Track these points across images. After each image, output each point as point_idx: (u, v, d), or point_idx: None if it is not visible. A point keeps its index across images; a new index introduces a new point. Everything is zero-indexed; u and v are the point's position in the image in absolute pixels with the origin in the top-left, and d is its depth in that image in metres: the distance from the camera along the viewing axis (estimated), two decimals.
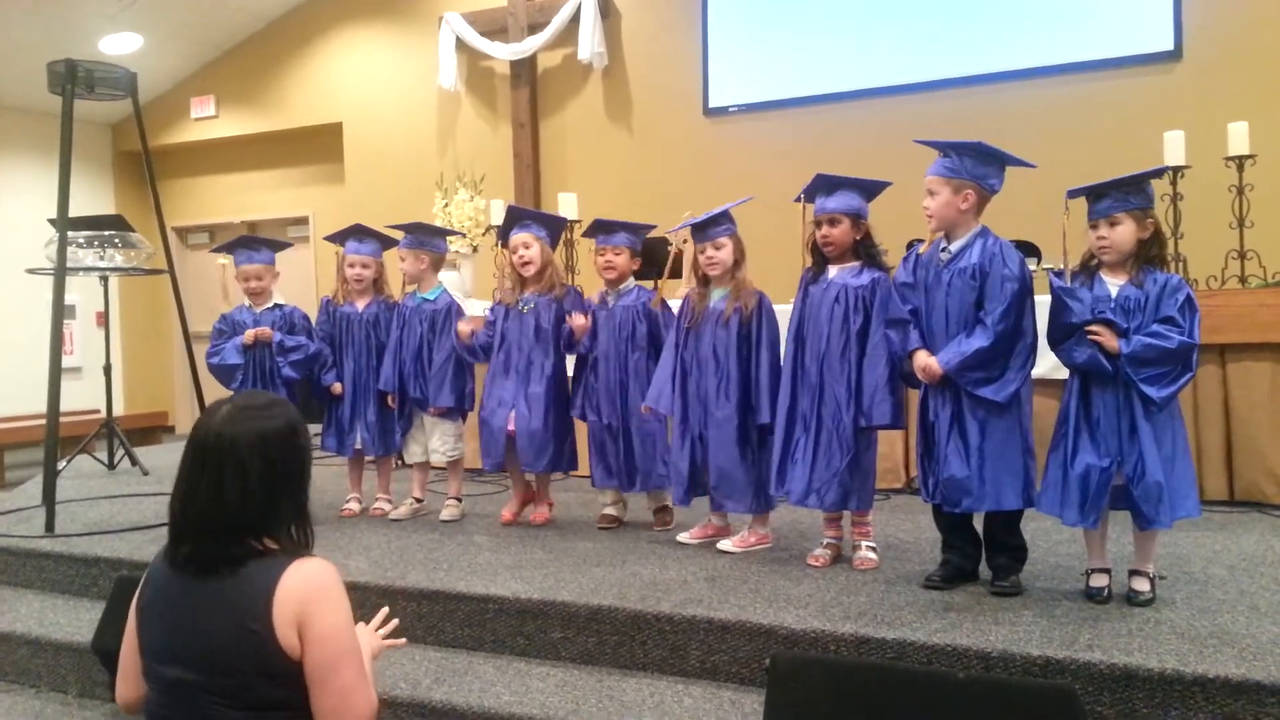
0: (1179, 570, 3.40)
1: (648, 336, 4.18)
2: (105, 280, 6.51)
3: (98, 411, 7.34)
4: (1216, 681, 2.47)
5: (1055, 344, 3.10)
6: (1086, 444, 3.00)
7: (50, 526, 4.55)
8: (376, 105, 8.95)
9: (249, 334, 4.58)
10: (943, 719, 2.38)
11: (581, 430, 4.42)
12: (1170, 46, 6.44)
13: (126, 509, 5.03)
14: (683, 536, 4.03)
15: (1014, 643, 2.72)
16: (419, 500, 4.73)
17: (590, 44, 7.84)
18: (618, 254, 4.25)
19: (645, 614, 3.11)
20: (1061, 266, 3.19)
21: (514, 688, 3.01)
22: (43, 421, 4.85)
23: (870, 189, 3.59)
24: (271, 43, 9.38)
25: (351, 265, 4.73)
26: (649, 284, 4.50)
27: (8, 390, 8.58)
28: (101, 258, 6.18)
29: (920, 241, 3.43)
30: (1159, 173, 3.25)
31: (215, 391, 2.75)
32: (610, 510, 4.37)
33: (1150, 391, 2.91)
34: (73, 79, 5.17)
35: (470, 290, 6.82)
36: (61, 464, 5.66)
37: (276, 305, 4.72)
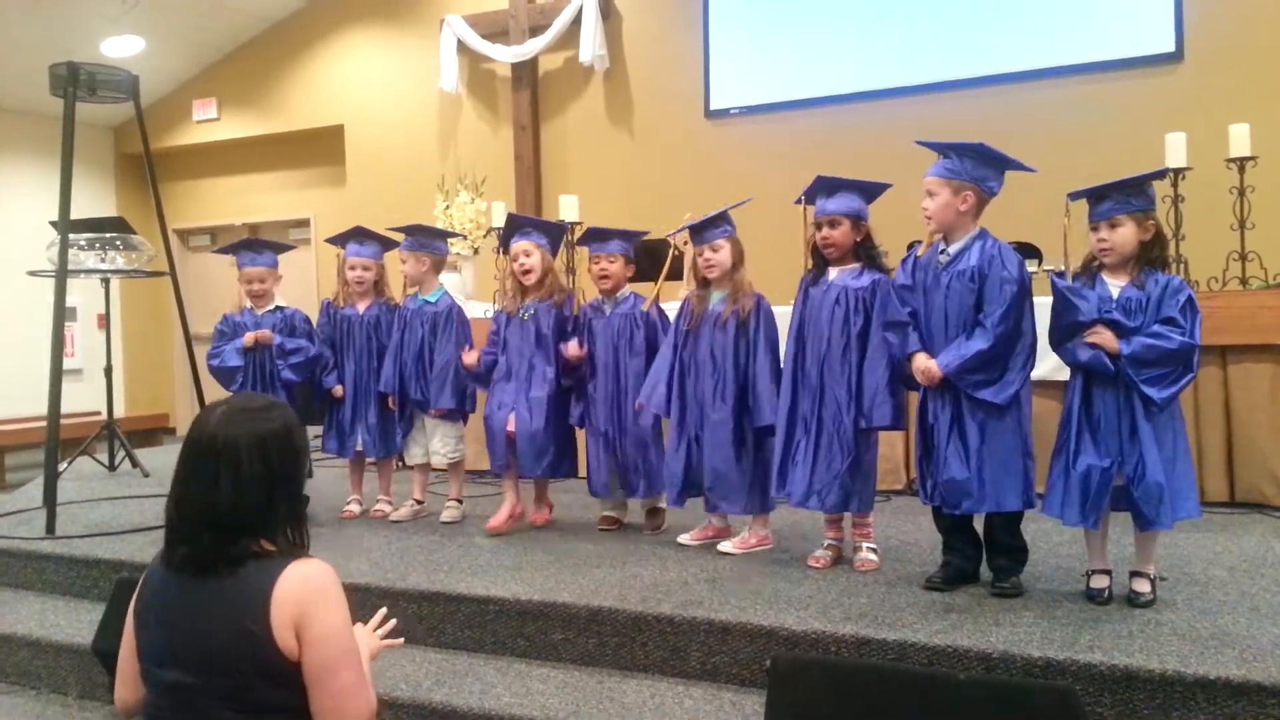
0: (1180, 572, 3.40)
1: (645, 343, 4.18)
2: (106, 282, 6.52)
3: (99, 413, 7.34)
4: (1217, 683, 2.47)
5: (1057, 344, 3.10)
6: (1088, 444, 3.00)
7: (51, 528, 4.55)
8: (378, 108, 8.96)
9: (249, 336, 4.58)
10: None
11: (580, 435, 4.42)
12: (1171, 48, 6.43)
13: (127, 511, 5.03)
14: (683, 538, 4.03)
15: (1015, 644, 2.71)
16: (420, 502, 4.73)
17: (591, 46, 7.84)
18: (612, 262, 4.25)
19: (646, 615, 3.11)
20: (1063, 268, 3.19)
21: (515, 689, 3.01)
22: (44, 423, 4.85)
23: (870, 191, 3.59)
24: (273, 45, 9.39)
25: (352, 268, 4.73)
26: (649, 286, 4.50)
27: (9, 392, 8.59)
28: (103, 260, 6.18)
29: (919, 243, 3.43)
30: (1160, 174, 3.25)
31: (216, 393, 2.75)
32: (610, 512, 4.37)
33: (1151, 392, 2.91)
34: (75, 81, 5.18)
35: (471, 292, 6.83)
36: (62, 466, 5.66)
37: (278, 307, 4.73)
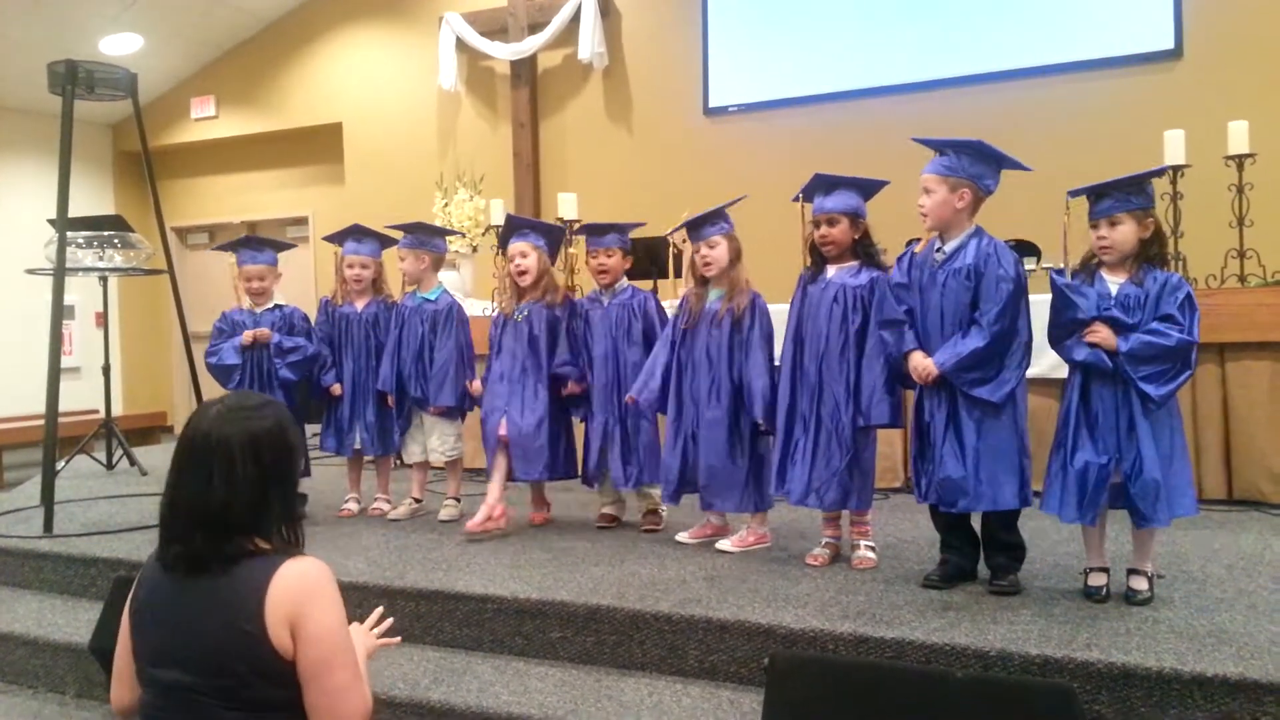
0: (1177, 569, 3.40)
1: (642, 334, 4.19)
2: (104, 280, 6.51)
3: (96, 412, 7.35)
4: (1214, 680, 2.47)
5: (1056, 341, 3.10)
6: (1085, 441, 3.00)
7: (48, 527, 4.55)
8: (376, 105, 8.95)
9: (247, 335, 4.58)
10: (941, 718, 2.38)
11: (579, 432, 4.42)
12: (1170, 45, 6.43)
13: (125, 509, 5.03)
14: (681, 536, 4.03)
15: (1012, 642, 2.72)
16: (418, 500, 4.73)
17: (590, 44, 7.83)
18: (610, 255, 4.26)
19: (644, 614, 3.11)
20: (1062, 265, 3.18)
21: (512, 687, 3.01)
22: (41, 422, 4.85)
23: (868, 188, 3.59)
24: (271, 43, 9.38)
25: (350, 266, 4.73)
26: (646, 284, 4.51)
27: (7, 390, 8.58)
28: (101, 258, 6.18)
29: (918, 240, 3.43)
30: (1159, 172, 3.25)
31: (214, 392, 2.74)
32: (609, 509, 4.38)
33: (1149, 389, 2.91)
34: (73, 79, 5.17)
35: (470, 290, 6.82)
36: (60, 464, 5.67)
37: (276, 306, 4.73)
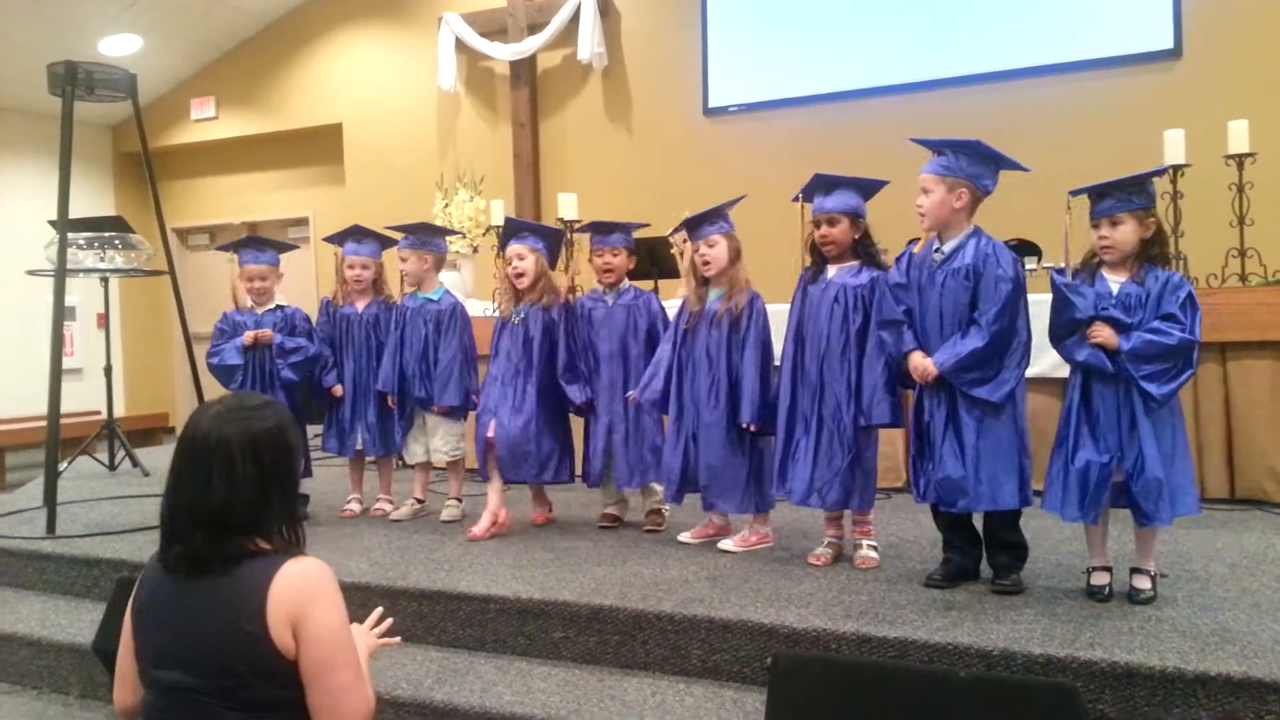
0: (1180, 568, 3.40)
1: (647, 334, 4.19)
2: (106, 281, 6.51)
3: (98, 413, 7.34)
4: (1218, 679, 2.47)
5: (1057, 341, 3.10)
6: (1087, 440, 3.01)
7: (51, 528, 4.55)
8: (376, 106, 8.95)
9: (248, 335, 4.58)
10: (944, 718, 2.38)
11: (579, 426, 4.42)
12: (1170, 45, 6.43)
13: (127, 510, 5.03)
14: (683, 536, 4.03)
15: (1015, 641, 2.72)
16: (420, 501, 4.73)
17: (590, 44, 7.84)
18: (615, 255, 4.26)
19: (647, 613, 3.11)
20: (1063, 265, 3.19)
21: (515, 687, 3.01)
22: (43, 423, 4.85)
23: (868, 188, 3.59)
24: (271, 44, 9.38)
25: (351, 266, 4.73)
26: (646, 284, 4.51)
27: (8, 391, 8.58)
28: (102, 259, 6.18)
29: (917, 241, 3.43)
30: (1160, 172, 3.26)
31: (215, 392, 2.75)
32: (611, 509, 4.38)
33: (1150, 388, 2.91)
34: (73, 80, 5.17)
35: (470, 291, 6.82)
36: (62, 465, 5.67)
37: (278, 306, 4.73)
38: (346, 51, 9.10)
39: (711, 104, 7.77)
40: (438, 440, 4.60)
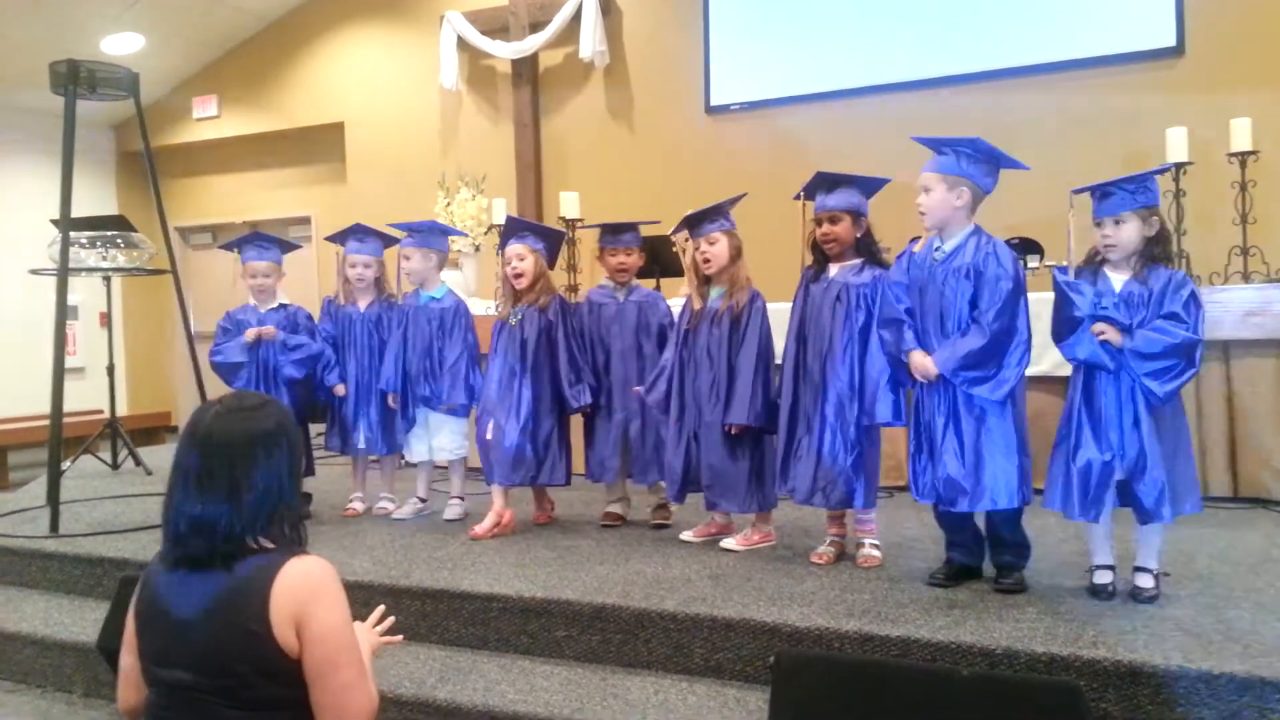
0: (1183, 567, 3.39)
1: (659, 332, 4.20)
2: (108, 280, 6.52)
3: (101, 412, 7.35)
4: (1221, 678, 2.47)
5: (1059, 339, 3.10)
6: (1089, 438, 3.00)
7: (54, 527, 4.55)
8: (378, 105, 8.94)
9: (251, 332, 4.58)
10: (947, 716, 2.38)
11: (578, 427, 4.42)
12: (1172, 42, 6.41)
13: (130, 509, 5.04)
14: (686, 535, 4.03)
15: (1018, 640, 2.71)
16: (422, 499, 4.73)
17: (592, 42, 7.83)
18: (629, 254, 4.28)
19: (649, 612, 3.12)
20: (1065, 263, 3.18)
21: (518, 686, 3.02)
22: (46, 422, 4.86)
23: (870, 186, 3.59)
24: (273, 43, 9.38)
25: (353, 265, 4.73)
26: (648, 283, 4.51)
27: (11, 391, 8.59)
28: (104, 258, 6.18)
29: (918, 239, 3.43)
30: (1163, 170, 3.25)
31: (217, 391, 2.75)
32: (614, 508, 4.38)
33: (1153, 386, 2.91)
34: (75, 79, 5.17)
35: (473, 290, 6.83)
36: (65, 464, 5.67)
37: (281, 305, 4.73)
38: (348, 50, 9.10)
39: (713, 102, 7.76)
40: (442, 439, 4.60)
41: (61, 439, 4.79)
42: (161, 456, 6.51)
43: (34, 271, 6.26)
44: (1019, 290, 3.17)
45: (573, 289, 6.39)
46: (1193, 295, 2.96)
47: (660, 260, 5.67)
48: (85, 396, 8.46)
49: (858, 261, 3.56)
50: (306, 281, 8.86)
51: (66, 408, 4.87)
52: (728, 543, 3.86)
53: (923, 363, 3.22)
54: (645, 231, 4.45)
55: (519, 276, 4.29)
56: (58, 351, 4.76)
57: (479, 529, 4.18)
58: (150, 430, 9.50)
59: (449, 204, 7.32)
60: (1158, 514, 2.94)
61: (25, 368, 8.31)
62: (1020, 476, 3.16)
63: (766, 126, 7.55)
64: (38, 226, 6.43)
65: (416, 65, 8.70)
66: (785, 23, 7.53)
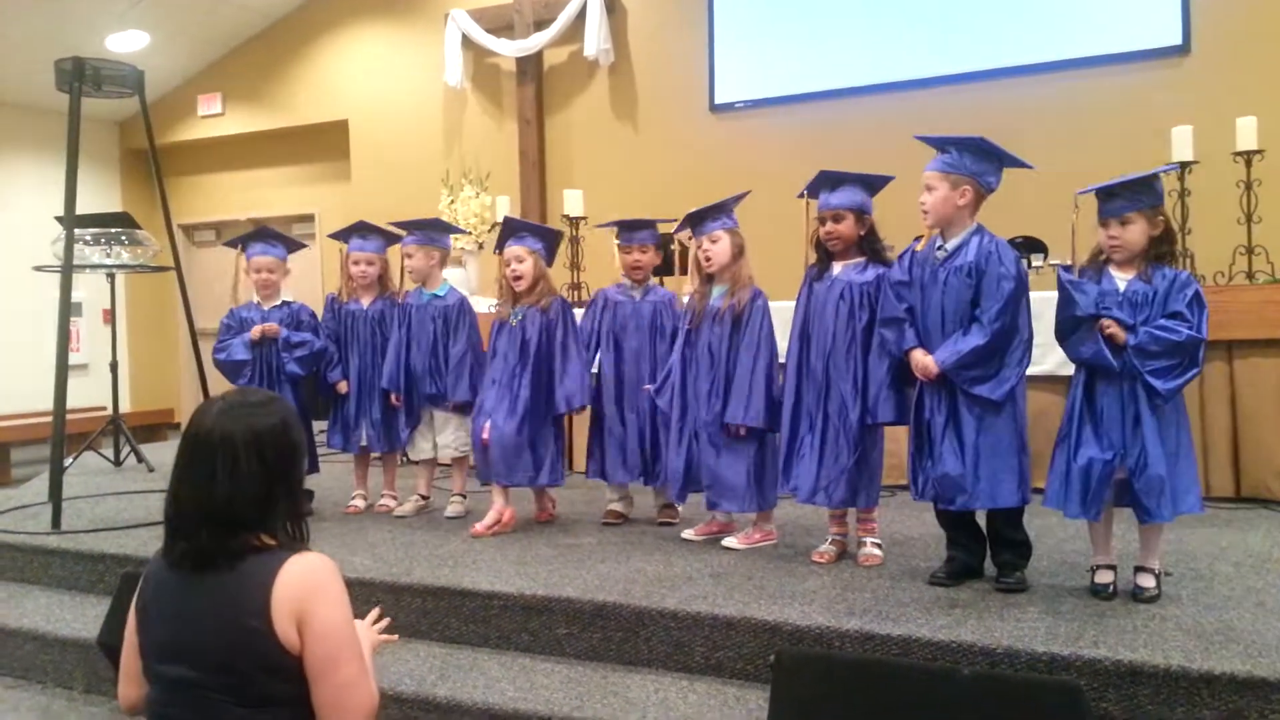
0: (1185, 567, 3.39)
1: (673, 334, 4.20)
2: (112, 277, 6.53)
3: (104, 408, 7.35)
4: (1222, 678, 2.46)
5: (1062, 338, 3.10)
6: (1090, 437, 3.00)
7: (57, 523, 4.56)
8: (382, 102, 8.95)
9: (255, 330, 4.59)
10: (948, 716, 2.37)
11: (583, 425, 4.42)
12: (1178, 41, 6.40)
13: (133, 505, 5.05)
14: (687, 533, 4.03)
15: (1019, 639, 2.71)
16: (424, 497, 4.73)
17: (596, 40, 7.82)
18: (644, 252, 4.29)
19: (650, 610, 3.11)
20: (1069, 263, 3.18)
21: (519, 684, 3.02)
22: (49, 418, 4.87)
23: (873, 184, 3.58)
24: (278, 40, 9.39)
25: (356, 262, 4.73)
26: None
27: (14, 387, 8.61)
28: (108, 255, 6.19)
29: (920, 238, 3.43)
30: (1170, 170, 3.24)
31: (220, 388, 2.76)
32: (615, 506, 4.38)
33: (1156, 384, 2.90)
34: (80, 77, 5.18)
35: (475, 288, 6.83)
36: (68, 461, 5.67)
37: (285, 303, 4.74)
38: (353, 48, 9.11)
39: (718, 100, 7.75)
40: (446, 436, 4.60)
41: (64, 435, 4.80)
42: (164, 453, 6.52)
43: (38, 268, 6.27)
44: (1021, 289, 3.16)
45: (575, 287, 6.39)
46: (1197, 295, 2.96)
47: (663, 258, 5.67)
48: (88, 393, 8.48)
49: (861, 260, 3.56)
50: (310, 279, 8.87)
51: (69, 404, 4.87)
52: (729, 541, 3.86)
53: (923, 361, 3.22)
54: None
55: (518, 278, 4.28)
56: (61, 348, 4.77)
57: (479, 526, 4.18)
58: (153, 427, 9.51)
59: (453, 201, 7.32)
60: (1158, 513, 2.93)
61: (29, 364, 8.33)
62: (1020, 476, 3.15)
63: (770, 125, 7.55)
64: (42, 223, 6.44)
65: (421, 63, 8.71)
66: (790, 21, 7.52)
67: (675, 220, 4.47)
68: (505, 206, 6.76)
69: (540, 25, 8.08)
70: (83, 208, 5.20)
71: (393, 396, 4.62)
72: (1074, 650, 2.62)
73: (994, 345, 3.11)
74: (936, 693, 2.41)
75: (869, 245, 3.56)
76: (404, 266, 4.72)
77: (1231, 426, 4.53)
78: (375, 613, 2.21)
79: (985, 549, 3.31)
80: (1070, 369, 3.22)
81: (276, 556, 1.81)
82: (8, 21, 7.97)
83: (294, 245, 4.92)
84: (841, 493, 3.50)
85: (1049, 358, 4.35)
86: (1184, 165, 4.93)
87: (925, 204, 3.26)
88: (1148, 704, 2.52)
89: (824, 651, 2.84)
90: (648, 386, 4.11)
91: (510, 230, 4.41)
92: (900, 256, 3.41)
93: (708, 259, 3.86)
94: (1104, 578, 3.09)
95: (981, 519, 3.31)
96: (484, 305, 5.88)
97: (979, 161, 3.21)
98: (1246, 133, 5.01)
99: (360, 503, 4.79)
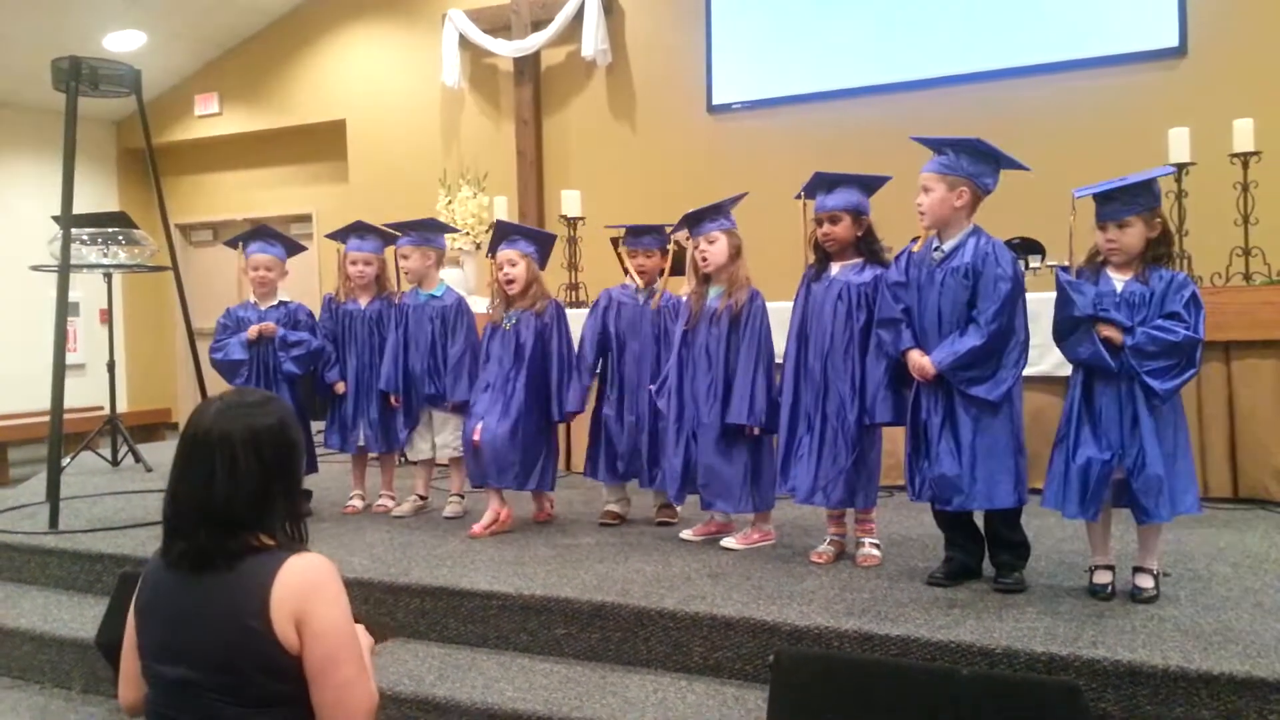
0: (1183, 567, 3.39)
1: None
2: (109, 277, 6.52)
3: (101, 408, 7.35)
4: (1221, 678, 2.47)
5: (1060, 339, 3.10)
6: (1088, 437, 3.01)
7: (54, 523, 4.55)
8: (380, 103, 8.95)
9: (252, 329, 4.58)
10: (947, 715, 2.38)
11: (582, 426, 4.42)
12: (1175, 43, 6.41)
13: (130, 505, 5.04)
14: (686, 533, 4.03)
15: (1018, 639, 2.71)
16: (422, 497, 4.73)
17: (594, 41, 7.83)
18: (649, 256, 4.29)
19: (648, 610, 3.11)
20: (1067, 263, 3.18)
21: (517, 684, 3.01)
22: (47, 418, 4.86)
23: (869, 184, 3.59)
24: (275, 40, 9.38)
25: (354, 263, 4.73)
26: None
27: (11, 387, 8.59)
28: (105, 255, 6.18)
29: (918, 239, 3.43)
30: (1167, 173, 3.25)
31: (218, 388, 2.76)
32: (613, 507, 4.37)
33: (1154, 384, 2.91)
34: (77, 76, 5.17)
35: (473, 288, 6.83)
36: (65, 461, 5.67)
37: (282, 302, 4.73)
38: (350, 48, 9.10)
39: (715, 101, 7.76)
40: (445, 436, 4.59)
41: (62, 435, 4.79)
42: (161, 453, 6.51)
43: (35, 268, 6.26)
44: (1018, 291, 3.17)
45: (574, 287, 6.39)
46: (1193, 296, 2.96)
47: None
48: (86, 393, 8.47)
49: (859, 261, 3.56)
50: (307, 279, 8.86)
51: (67, 404, 4.87)
52: (727, 541, 3.86)
53: (920, 362, 3.22)
54: None
55: (511, 282, 4.27)
56: (58, 348, 4.76)
57: (477, 528, 4.18)
58: (150, 427, 9.49)
59: (450, 202, 7.32)
60: (1156, 513, 2.94)
61: (26, 364, 8.31)
62: (1016, 477, 3.16)
63: (768, 125, 7.55)
64: (39, 223, 6.43)
65: (418, 63, 8.71)
66: (787, 22, 7.53)
67: (672, 222, 4.49)
68: (503, 207, 6.76)
69: (538, 25, 8.08)
70: (80, 207, 5.19)
71: (392, 398, 4.61)
72: (1072, 650, 2.62)
73: (991, 346, 3.12)
74: (935, 693, 2.41)
75: (866, 246, 3.57)
76: (398, 267, 4.71)
77: (1229, 427, 4.54)
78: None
79: (983, 549, 3.32)
80: (1068, 369, 3.23)
81: (275, 556, 1.81)
82: (4, 20, 7.96)
83: (293, 246, 4.91)
84: (839, 493, 3.50)
85: (1046, 358, 4.36)
86: (1181, 167, 4.94)
87: (922, 205, 3.26)
88: (1146, 704, 2.53)
89: (823, 652, 2.84)
90: (651, 387, 4.11)
91: (503, 233, 4.40)
92: (897, 257, 3.41)
93: (704, 259, 3.86)
94: (1102, 578, 3.10)
95: (979, 519, 3.31)
96: (482, 305, 5.88)
97: (976, 163, 3.22)
98: (1243, 134, 5.02)
99: (358, 503, 4.79)
